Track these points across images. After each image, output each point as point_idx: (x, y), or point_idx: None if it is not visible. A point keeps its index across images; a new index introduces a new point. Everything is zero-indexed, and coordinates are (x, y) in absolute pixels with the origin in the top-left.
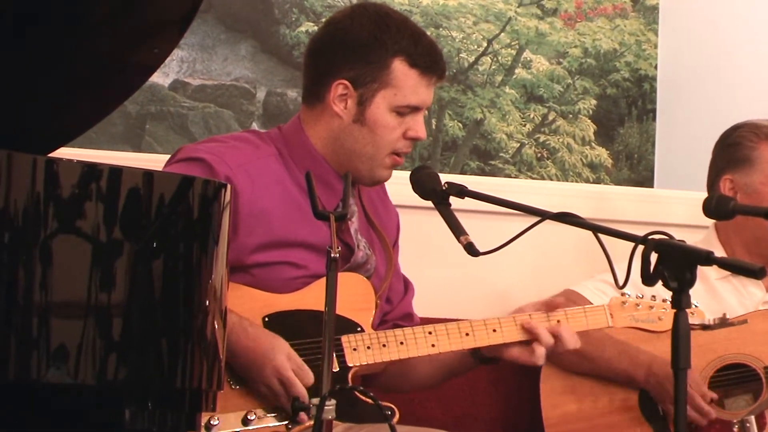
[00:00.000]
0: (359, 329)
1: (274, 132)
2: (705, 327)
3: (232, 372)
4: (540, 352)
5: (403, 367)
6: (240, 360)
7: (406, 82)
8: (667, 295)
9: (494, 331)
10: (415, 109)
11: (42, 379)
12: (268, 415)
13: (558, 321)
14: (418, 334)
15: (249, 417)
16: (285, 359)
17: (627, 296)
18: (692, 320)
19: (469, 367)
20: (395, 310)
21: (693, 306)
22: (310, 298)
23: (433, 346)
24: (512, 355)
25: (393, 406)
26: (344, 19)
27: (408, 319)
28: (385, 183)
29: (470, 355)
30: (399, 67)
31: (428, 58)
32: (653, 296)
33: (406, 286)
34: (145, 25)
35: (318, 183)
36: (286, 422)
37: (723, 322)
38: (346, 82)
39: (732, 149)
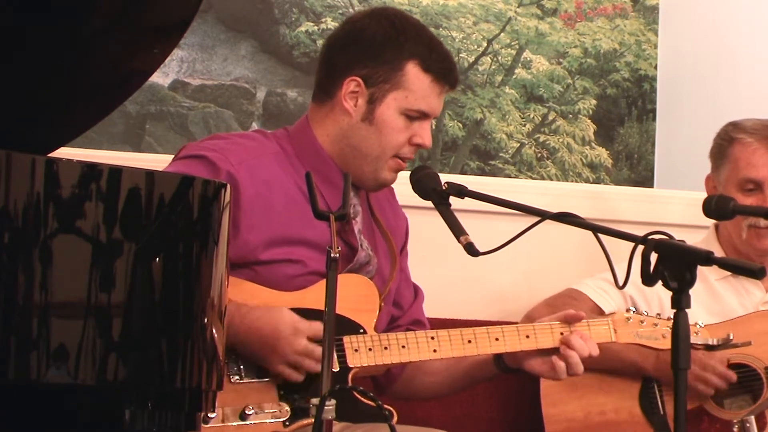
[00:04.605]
0: (361, 330)
1: (280, 131)
2: (708, 347)
3: (244, 364)
4: (560, 366)
5: (423, 373)
6: (248, 350)
7: (417, 86)
8: (667, 295)
9: (497, 339)
10: (423, 115)
11: (42, 379)
12: (266, 410)
13: (562, 333)
14: (420, 339)
15: (247, 412)
16: (292, 331)
17: (632, 312)
18: (696, 340)
19: (492, 375)
20: (405, 316)
21: (698, 326)
22: (313, 297)
23: (434, 351)
24: (533, 368)
25: (391, 408)
26: (363, 19)
27: (418, 325)
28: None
29: (494, 363)
30: (412, 71)
31: (442, 66)
32: (658, 314)
33: (416, 292)
34: (146, 28)
35: (323, 181)
36: (284, 419)
37: (726, 343)
38: (358, 79)
39: (713, 147)
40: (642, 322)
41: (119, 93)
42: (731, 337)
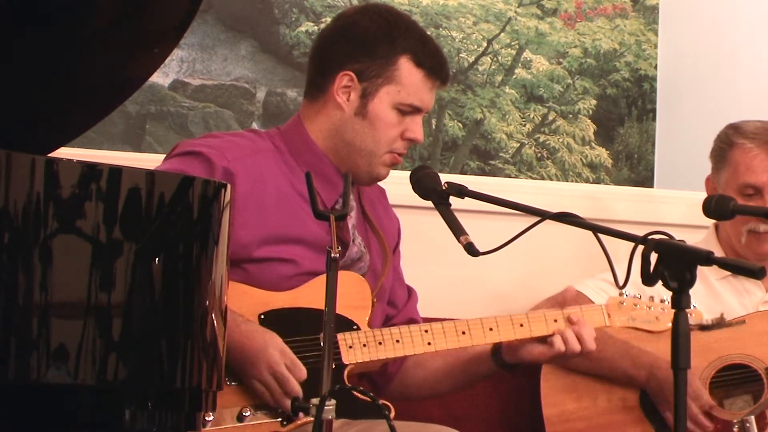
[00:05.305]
0: (355, 327)
1: (272, 130)
2: (703, 327)
3: (227, 368)
4: (557, 340)
5: (420, 372)
6: (233, 355)
7: (410, 80)
8: (667, 295)
9: (491, 330)
10: (416, 110)
11: (42, 379)
12: (263, 411)
13: (555, 320)
14: (414, 333)
15: (244, 413)
16: (278, 355)
17: (624, 296)
18: (690, 321)
19: (490, 372)
20: (399, 315)
21: (691, 307)
22: (306, 295)
23: (429, 344)
24: (531, 353)
25: (389, 404)
26: (355, 14)
27: (413, 324)
28: (385, 183)
29: (492, 359)
30: (405, 65)
31: (434, 61)
32: (651, 297)
33: (409, 292)
34: (145, 28)
35: (317, 178)
36: (281, 419)
37: (720, 323)
38: (351, 73)
39: (713, 149)
40: (635, 305)
41: (119, 93)
42: (725, 317)
